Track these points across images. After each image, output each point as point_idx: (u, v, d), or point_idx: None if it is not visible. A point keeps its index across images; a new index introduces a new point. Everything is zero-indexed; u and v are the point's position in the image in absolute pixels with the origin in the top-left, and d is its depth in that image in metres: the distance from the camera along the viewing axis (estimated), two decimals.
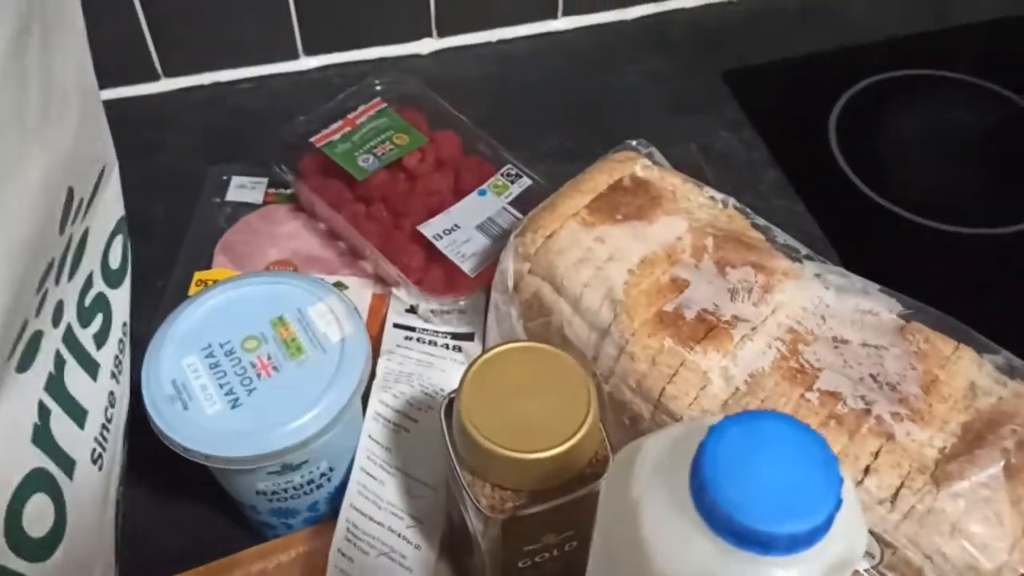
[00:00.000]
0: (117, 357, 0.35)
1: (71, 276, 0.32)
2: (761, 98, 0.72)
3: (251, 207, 0.61)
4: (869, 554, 0.39)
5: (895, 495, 0.38)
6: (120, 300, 0.36)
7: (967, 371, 0.42)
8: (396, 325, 0.54)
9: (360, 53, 0.73)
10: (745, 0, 0.79)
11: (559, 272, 0.46)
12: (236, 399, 0.40)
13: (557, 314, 0.46)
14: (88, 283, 0.33)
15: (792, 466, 0.25)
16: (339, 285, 0.54)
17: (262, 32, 0.70)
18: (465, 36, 0.75)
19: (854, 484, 0.39)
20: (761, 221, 0.49)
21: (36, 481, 0.28)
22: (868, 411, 0.40)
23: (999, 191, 0.66)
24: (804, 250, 0.48)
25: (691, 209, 0.49)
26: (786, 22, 0.78)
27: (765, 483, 0.25)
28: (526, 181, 0.58)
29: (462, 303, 0.54)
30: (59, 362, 0.31)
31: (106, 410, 0.34)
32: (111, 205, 0.36)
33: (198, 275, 0.57)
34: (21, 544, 0.27)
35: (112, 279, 0.35)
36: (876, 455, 0.39)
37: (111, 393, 0.34)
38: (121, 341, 0.36)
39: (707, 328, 0.43)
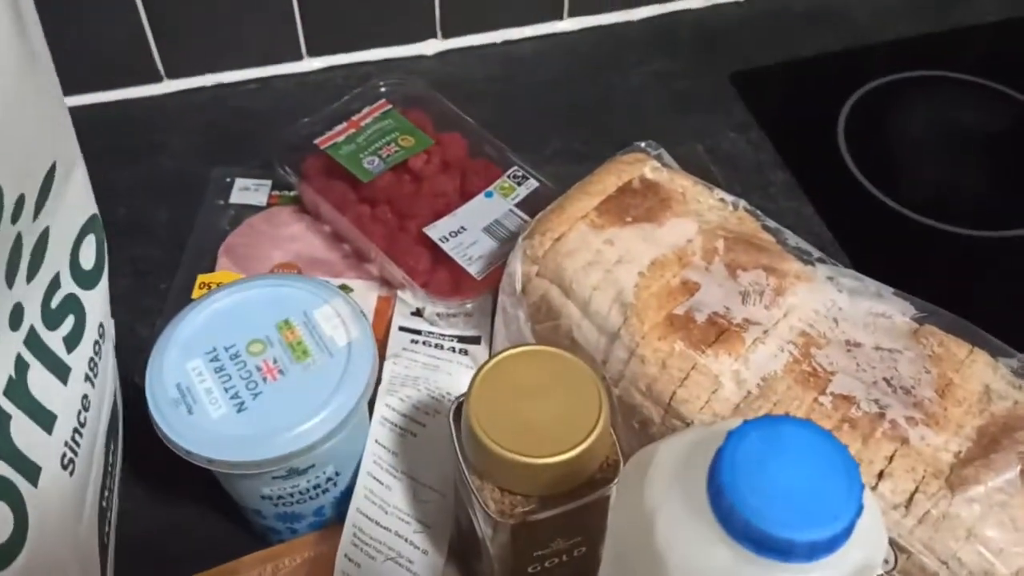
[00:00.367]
0: (92, 359, 0.34)
1: (30, 278, 0.31)
2: (769, 99, 0.71)
3: (255, 209, 0.61)
4: (884, 559, 0.38)
5: (910, 500, 0.38)
6: (95, 301, 0.35)
7: (982, 375, 0.41)
8: (402, 328, 0.53)
9: (365, 54, 0.72)
10: (752, 1, 0.79)
11: (568, 275, 0.46)
12: (241, 403, 0.40)
13: (566, 317, 0.46)
14: (55, 285, 0.32)
15: (812, 471, 0.25)
16: (344, 288, 0.53)
17: (266, 33, 0.69)
18: (470, 37, 0.74)
19: (868, 489, 0.38)
20: (772, 223, 0.49)
21: None
22: (882, 415, 0.40)
23: (1009, 192, 0.65)
24: (816, 253, 0.47)
25: (701, 211, 0.48)
26: (793, 23, 0.77)
27: (785, 489, 0.24)
28: (533, 183, 0.58)
29: (469, 306, 0.53)
30: (21, 366, 0.30)
31: (79, 414, 0.33)
32: (77, 204, 0.35)
33: (201, 278, 0.56)
34: None
35: (84, 280, 0.34)
36: (890, 459, 0.39)
37: (85, 396, 0.33)
38: (97, 343, 0.35)
39: (718, 331, 0.43)
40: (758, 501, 0.24)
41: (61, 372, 0.32)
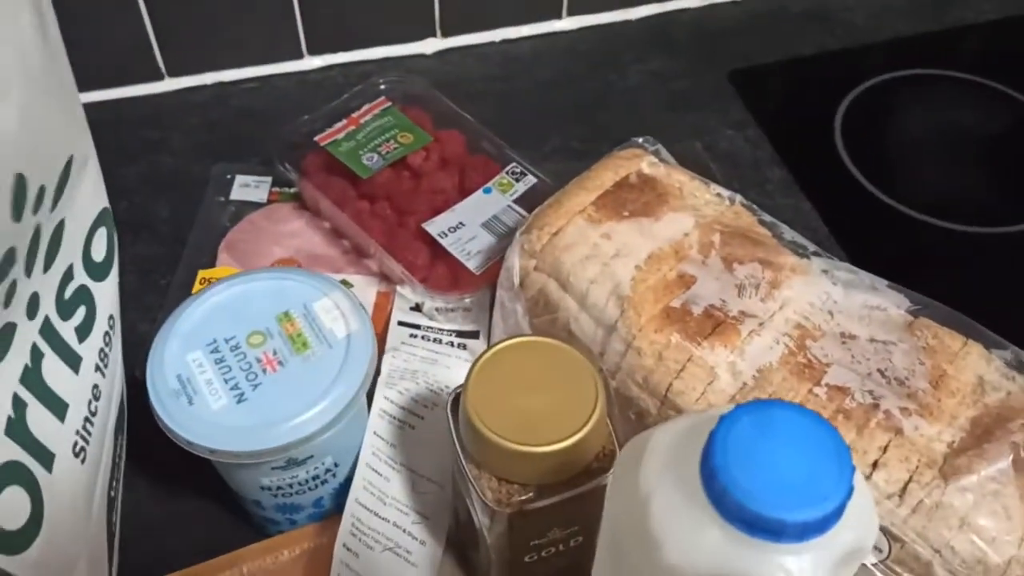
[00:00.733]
0: (103, 350, 0.35)
1: (46, 268, 0.31)
2: (766, 97, 0.71)
3: (255, 206, 0.61)
4: (877, 548, 0.39)
5: (903, 489, 0.38)
6: (106, 293, 0.35)
7: (976, 366, 0.42)
8: (401, 323, 0.54)
9: (364, 53, 0.73)
10: (749, 0, 0.79)
11: (565, 268, 0.46)
12: (241, 394, 0.40)
13: (563, 310, 0.46)
14: (68, 275, 0.33)
15: (804, 454, 0.25)
16: (344, 283, 0.54)
17: (266, 32, 0.70)
18: (469, 36, 0.74)
19: (861, 476, 0.38)
20: (768, 218, 0.49)
21: (10, 473, 0.28)
22: (876, 406, 0.40)
23: (1005, 189, 0.66)
24: (811, 247, 0.48)
25: (698, 206, 0.49)
26: (791, 23, 0.78)
27: (777, 471, 0.25)
28: (531, 179, 0.58)
29: (467, 300, 0.53)
30: (36, 354, 0.30)
31: (90, 403, 0.33)
32: (90, 196, 0.35)
33: (202, 273, 0.56)
34: None
35: (96, 272, 0.35)
36: (884, 450, 0.39)
37: (95, 386, 0.34)
38: (107, 334, 0.35)
39: (714, 324, 0.43)
40: (750, 483, 0.25)
41: (73, 361, 0.32)
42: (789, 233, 0.48)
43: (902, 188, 0.65)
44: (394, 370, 0.49)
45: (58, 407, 0.31)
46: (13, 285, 0.28)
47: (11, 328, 0.28)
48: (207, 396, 0.40)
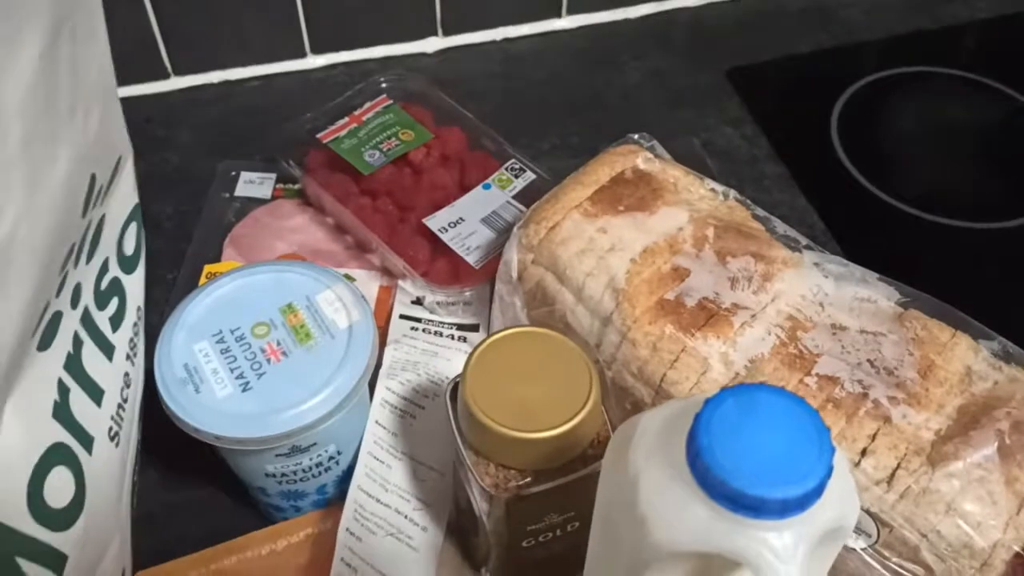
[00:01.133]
0: (132, 340, 0.36)
1: (88, 259, 0.33)
2: (763, 95, 0.72)
3: (259, 202, 0.62)
4: (866, 534, 0.39)
5: (892, 476, 0.39)
6: (134, 285, 0.37)
7: (963, 357, 0.43)
8: (402, 316, 0.55)
9: (366, 52, 0.74)
10: None
11: (562, 262, 0.47)
12: (247, 383, 0.41)
13: (560, 303, 0.47)
14: (104, 268, 0.34)
15: (785, 435, 0.26)
16: (347, 278, 0.55)
17: (270, 31, 0.71)
18: (470, 35, 0.76)
19: (852, 466, 0.39)
20: (761, 212, 0.50)
21: (57, 454, 0.29)
22: (865, 395, 0.41)
23: (998, 186, 0.67)
24: (804, 240, 0.49)
25: (692, 201, 0.50)
26: (788, 21, 0.79)
27: (759, 451, 0.26)
28: (530, 175, 0.59)
29: (467, 294, 0.54)
30: (77, 342, 0.32)
31: (122, 390, 0.35)
32: (126, 193, 0.37)
33: (208, 268, 0.58)
34: (43, 513, 0.28)
35: (126, 265, 0.36)
36: (873, 437, 0.40)
37: (126, 374, 0.35)
38: (135, 325, 0.37)
39: (708, 315, 0.44)
40: (733, 462, 0.26)
41: (107, 350, 0.34)
42: (781, 227, 0.49)
43: (897, 184, 0.66)
44: (395, 361, 0.50)
45: (96, 393, 0.32)
46: (65, 276, 0.30)
47: (59, 316, 0.30)
48: (213, 385, 0.41)
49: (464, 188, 0.58)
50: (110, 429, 0.33)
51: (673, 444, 0.28)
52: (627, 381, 0.45)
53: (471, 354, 0.39)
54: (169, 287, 0.57)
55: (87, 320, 0.33)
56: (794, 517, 0.26)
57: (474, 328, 0.54)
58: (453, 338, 0.54)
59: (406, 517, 0.45)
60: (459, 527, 0.46)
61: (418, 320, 0.55)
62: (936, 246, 0.63)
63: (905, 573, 0.39)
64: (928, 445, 0.39)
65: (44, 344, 0.29)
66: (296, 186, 0.63)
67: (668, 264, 0.46)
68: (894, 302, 0.45)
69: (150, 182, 0.65)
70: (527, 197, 0.57)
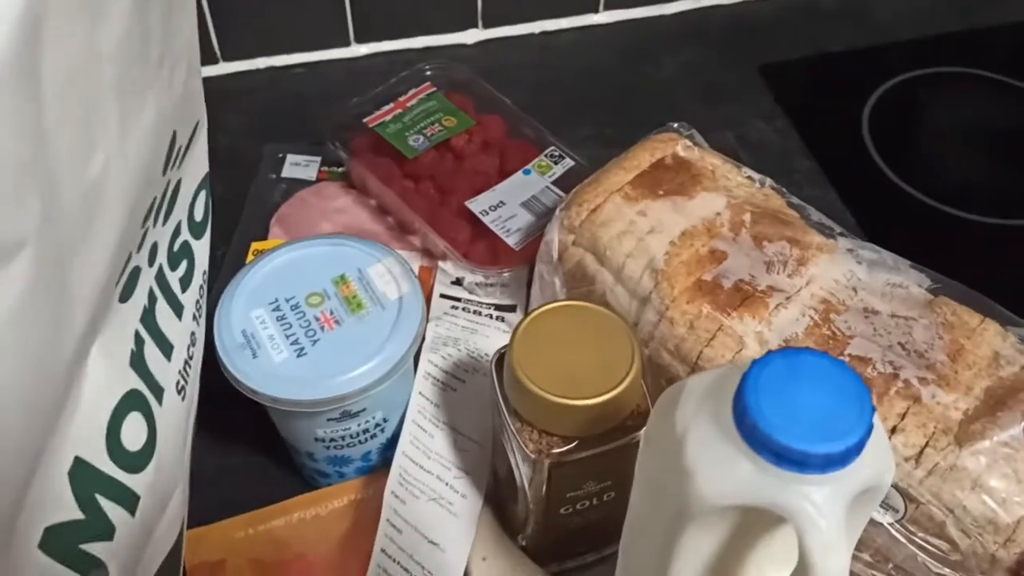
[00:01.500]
0: (198, 302, 0.38)
1: (164, 220, 0.35)
2: (796, 91, 0.74)
3: (305, 183, 0.64)
4: (894, 509, 0.41)
5: (920, 453, 0.40)
6: (201, 251, 0.39)
7: (992, 342, 0.44)
8: (442, 296, 0.56)
9: (409, 42, 0.76)
10: None
11: (602, 243, 0.49)
12: (301, 348, 0.43)
13: (600, 283, 0.49)
14: (177, 230, 0.36)
15: (828, 395, 0.28)
16: None
17: (316, 20, 0.73)
18: (509, 28, 0.77)
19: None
20: (796, 200, 0.51)
21: (132, 401, 0.31)
22: (896, 375, 0.42)
23: None
24: (838, 228, 0.50)
25: (729, 187, 0.51)
26: (822, 20, 0.80)
27: (803, 409, 0.27)
28: (569, 162, 0.61)
29: (505, 275, 0.56)
30: (152, 298, 0.34)
31: (188, 348, 0.37)
32: (199, 160, 0.39)
33: (255, 245, 0.60)
34: (119, 454, 0.30)
35: (196, 230, 0.38)
36: (903, 416, 0.41)
37: (192, 333, 0.37)
38: (201, 288, 0.39)
39: (743, 296, 0.45)
40: (779, 419, 0.27)
41: (177, 308, 0.36)
42: (816, 215, 0.51)
43: (927, 180, 0.67)
44: (437, 337, 0.52)
45: (166, 347, 0.34)
46: (145, 232, 0.32)
47: (137, 271, 0.32)
48: (269, 350, 0.43)
49: (504, 174, 0.60)
50: (177, 383, 0.35)
51: (719, 403, 0.29)
52: (664, 358, 0.46)
53: (518, 325, 0.41)
54: (218, 263, 0.59)
55: (161, 278, 0.35)
56: (835, 472, 0.27)
57: (511, 309, 0.56)
58: (492, 317, 0.55)
59: (447, 484, 0.46)
60: (497, 497, 0.47)
61: (457, 300, 0.56)
62: (964, 240, 0.64)
63: (931, 548, 0.41)
64: (956, 424, 0.41)
65: (125, 296, 0.31)
66: (340, 169, 0.64)
67: (706, 247, 0.47)
68: (925, 288, 0.46)
69: None
70: (566, 183, 0.58)
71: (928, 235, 0.64)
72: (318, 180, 0.64)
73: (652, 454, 0.33)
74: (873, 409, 0.28)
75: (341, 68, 0.75)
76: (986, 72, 0.75)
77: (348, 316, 0.45)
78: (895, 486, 0.40)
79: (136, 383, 0.32)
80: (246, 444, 0.52)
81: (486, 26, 0.77)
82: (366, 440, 0.47)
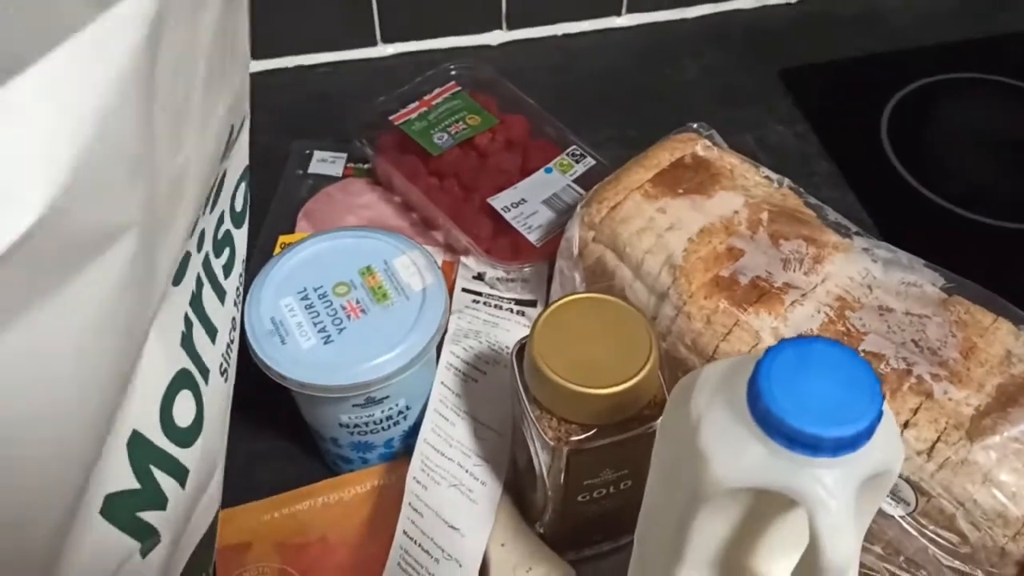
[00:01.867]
0: (238, 288, 0.40)
1: (212, 208, 0.36)
2: (816, 95, 0.75)
3: (331, 179, 0.66)
4: (905, 501, 0.42)
5: (932, 448, 0.41)
6: (240, 240, 0.40)
7: (1004, 340, 0.45)
8: (464, 290, 0.58)
9: (434, 42, 0.77)
10: (802, 3, 0.82)
11: (622, 240, 0.50)
12: (328, 336, 0.45)
13: (619, 279, 0.50)
14: (221, 219, 0.38)
15: (839, 382, 0.29)
16: None
17: (343, 20, 0.75)
18: (533, 29, 0.79)
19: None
20: (813, 200, 0.52)
21: (183, 379, 0.33)
22: (909, 371, 0.43)
23: None
24: (854, 227, 0.51)
25: (747, 187, 0.52)
26: (842, 25, 0.81)
27: (815, 395, 0.28)
28: (590, 161, 0.62)
29: (526, 271, 0.57)
30: (199, 283, 0.35)
31: (229, 332, 0.38)
32: (242, 152, 0.40)
33: (282, 238, 0.61)
34: (171, 429, 0.32)
35: (236, 220, 0.40)
36: (915, 411, 0.42)
37: (233, 319, 0.39)
38: (241, 276, 0.40)
39: (760, 293, 0.46)
40: (791, 404, 0.28)
41: (220, 294, 0.37)
42: (832, 215, 0.51)
43: (945, 184, 0.68)
44: (459, 329, 0.54)
45: (211, 331, 0.36)
46: (197, 220, 0.33)
47: (188, 256, 0.34)
48: (297, 337, 0.45)
49: (526, 172, 0.61)
50: (220, 365, 0.36)
51: (734, 390, 0.30)
52: (681, 352, 0.47)
53: (539, 316, 0.42)
54: (247, 255, 0.61)
55: (207, 264, 0.36)
56: (845, 456, 0.28)
57: (531, 304, 0.57)
58: (512, 311, 0.57)
59: (467, 471, 0.48)
60: (516, 486, 0.48)
61: (479, 294, 0.58)
62: (979, 243, 0.64)
63: (941, 541, 0.41)
64: (967, 420, 0.42)
65: (177, 280, 0.33)
66: (366, 165, 0.66)
67: (724, 244, 0.48)
68: (939, 287, 0.47)
69: None
70: (587, 181, 0.60)
71: (944, 237, 0.65)
72: (344, 176, 0.66)
73: (668, 440, 0.34)
74: (883, 396, 0.29)
75: (368, 67, 0.77)
76: (1003, 78, 0.76)
77: (374, 305, 0.46)
78: (907, 479, 0.41)
79: (186, 363, 0.33)
80: (272, 431, 0.53)
81: (510, 28, 0.78)
82: (389, 427, 0.48)
